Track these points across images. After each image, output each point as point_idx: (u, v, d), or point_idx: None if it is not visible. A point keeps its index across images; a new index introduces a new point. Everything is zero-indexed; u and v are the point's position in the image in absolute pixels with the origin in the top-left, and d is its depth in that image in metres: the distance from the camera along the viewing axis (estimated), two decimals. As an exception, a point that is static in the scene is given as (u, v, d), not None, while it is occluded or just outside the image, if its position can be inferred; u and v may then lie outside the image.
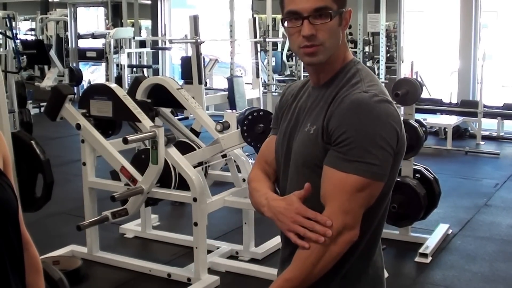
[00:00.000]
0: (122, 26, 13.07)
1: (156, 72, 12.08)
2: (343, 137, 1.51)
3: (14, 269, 1.45)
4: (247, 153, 4.80)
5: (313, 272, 1.54)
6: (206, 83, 8.69)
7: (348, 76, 1.61)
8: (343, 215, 1.51)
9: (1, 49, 11.35)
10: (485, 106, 8.59)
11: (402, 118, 1.62)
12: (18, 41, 9.48)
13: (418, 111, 6.57)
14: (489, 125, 9.06)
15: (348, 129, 1.51)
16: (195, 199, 3.85)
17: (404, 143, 1.59)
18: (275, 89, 9.71)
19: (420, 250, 4.48)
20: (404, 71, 9.65)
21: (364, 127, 1.50)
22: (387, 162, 1.53)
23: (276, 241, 4.41)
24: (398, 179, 4.27)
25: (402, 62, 9.73)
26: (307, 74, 1.73)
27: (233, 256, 4.47)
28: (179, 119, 5.09)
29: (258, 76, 8.04)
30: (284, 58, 13.93)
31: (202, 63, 7.50)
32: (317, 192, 1.58)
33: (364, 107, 1.52)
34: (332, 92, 1.60)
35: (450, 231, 5.01)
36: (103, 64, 12.43)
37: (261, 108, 6.65)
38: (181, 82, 8.00)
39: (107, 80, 11.30)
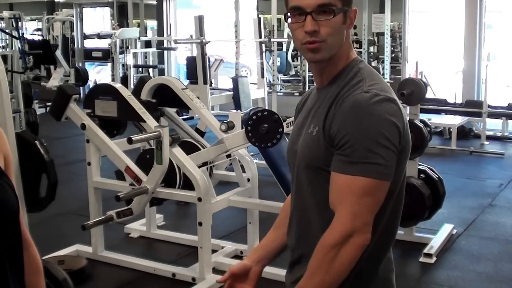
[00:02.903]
0: (127, 26, 13.08)
1: (161, 72, 12.09)
2: (345, 139, 1.50)
3: (13, 270, 1.44)
4: (251, 153, 4.80)
5: (326, 279, 1.52)
6: (211, 83, 8.69)
7: (350, 75, 1.60)
8: (353, 218, 1.49)
9: (8, 49, 11.41)
10: (489, 106, 8.58)
11: (408, 117, 1.59)
12: (25, 41, 9.51)
13: (423, 111, 6.57)
14: (493, 125, 9.06)
15: (350, 131, 1.50)
16: (199, 199, 3.86)
17: (408, 141, 1.58)
18: (280, 89, 9.72)
19: (425, 250, 4.48)
20: (409, 71, 9.64)
21: (365, 127, 1.49)
22: (392, 161, 1.51)
23: (280, 241, 4.40)
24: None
25: (407, 62, 9.72)
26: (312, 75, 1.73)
27: (238, 256, 4.48)
28: (184, 119, 5.09)
29: (263, 76, 8.04)
30: (289, 58, 13.91)
31: (207, 63, 7.50)
32: (321, 196, 1.58)
33: (365, 107, 1.50)
34: (334, 92, 1.59)
35: (455, 231, 5.00)
36: (109, 64, 12.44)
37: (266, 108, 6.66)
38: (186, 82, 8.01)
39: (113, 80, 11.32)
